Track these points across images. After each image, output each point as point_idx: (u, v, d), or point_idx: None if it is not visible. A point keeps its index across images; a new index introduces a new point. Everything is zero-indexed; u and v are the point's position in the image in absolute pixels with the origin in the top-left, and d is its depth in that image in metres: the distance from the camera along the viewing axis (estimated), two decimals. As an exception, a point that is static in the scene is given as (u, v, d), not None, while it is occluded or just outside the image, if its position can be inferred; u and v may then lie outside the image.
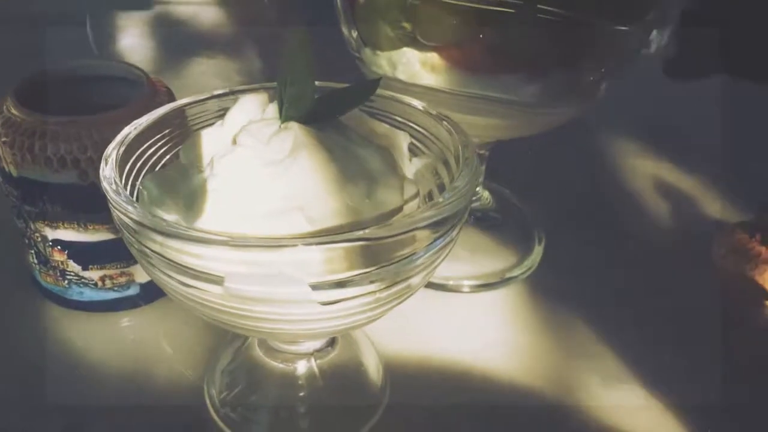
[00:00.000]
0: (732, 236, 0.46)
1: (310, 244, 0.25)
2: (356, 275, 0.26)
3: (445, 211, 0.27)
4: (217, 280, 0.25)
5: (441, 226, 0.27)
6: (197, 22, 0.89)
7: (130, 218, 0.26)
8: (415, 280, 0.28)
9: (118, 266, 0.40)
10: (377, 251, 0.26)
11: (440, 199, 0.27)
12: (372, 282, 0.26)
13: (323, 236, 0.25)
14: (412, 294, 0.29)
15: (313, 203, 0.27)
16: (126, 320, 0.42)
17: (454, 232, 0.28)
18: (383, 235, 0.25)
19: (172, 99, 0.40)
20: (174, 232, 0.25)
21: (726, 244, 0.46)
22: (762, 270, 0.44)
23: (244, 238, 0.25)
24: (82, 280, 0.40)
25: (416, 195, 0.31)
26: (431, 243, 0.27)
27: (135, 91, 0.40)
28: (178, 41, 0.84)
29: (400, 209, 0.29)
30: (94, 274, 0.40)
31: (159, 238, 0.25)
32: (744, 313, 0.43)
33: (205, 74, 0.75)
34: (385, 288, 0.27)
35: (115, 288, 0.40)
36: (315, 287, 0.26)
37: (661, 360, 0.40)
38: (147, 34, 0.85)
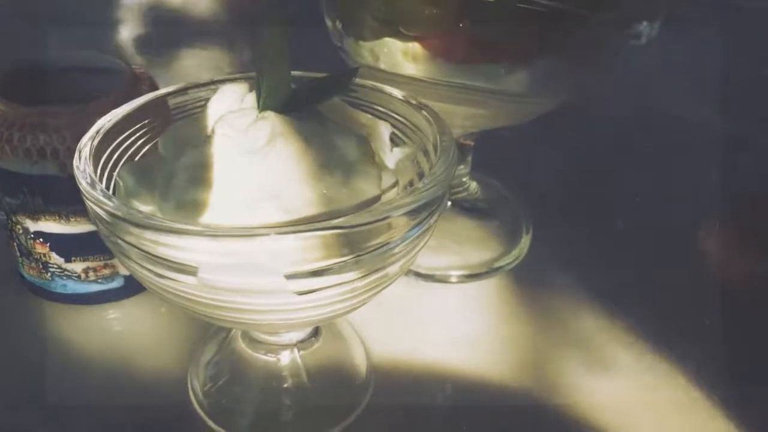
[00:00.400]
0: (721, 226, 0.46)
1: (284, 233, 0.24)
2: (332, 264, 0.26)
3: (421, 198, 0.27)
4: (191, 271, 0.25)
5: (418, 213, 0.27)
6: (189, 15, 0.89)
7: (103, 209, 0.26)
8: (392, 269, 0.28)
9: (101, 258, 0.39)
10: (353, 240, 0.26)
11: (418, 186, 0.27)
12: (348, 271, 0.26)
13: (296, 225, 0.25)
14: (390, 283, 0.29)
15: (290, 192, 0.27)
16: (111, 313, 0.42)
17: (432, 220, 0.28)
18: (357, 222, 0.25)
19: (155, 90, 0.39)
20: (146, 223, 0.25)
21: (715, 235, 0.46)
22: (749, 258, 0.44)
23: (216, 228, 0.25)
24: (65, 272, 0.40)
25: (395, 185, 0.31)
26: (408, 231, 0.27)
27: (117, 81, 0.39)
28: (169, 34, 0.83)
29: (377, 199, 0.29)
30: (76, 267, 0.39)
31: (131, 229, 0.25)
32: (733, 304, 0.43)
33: (199, 67, 0.75)
34: (361, 277, 0.27)
35: (99, 280, 0.40)
36: (290, 277, 0.25)
37: (649, 351, 0.40)
38: (138, 26, 0.85)
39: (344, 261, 0.26)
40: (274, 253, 0.25)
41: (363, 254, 0.26)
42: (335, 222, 0.25)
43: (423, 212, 0.27)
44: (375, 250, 0.26)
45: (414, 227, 0.27)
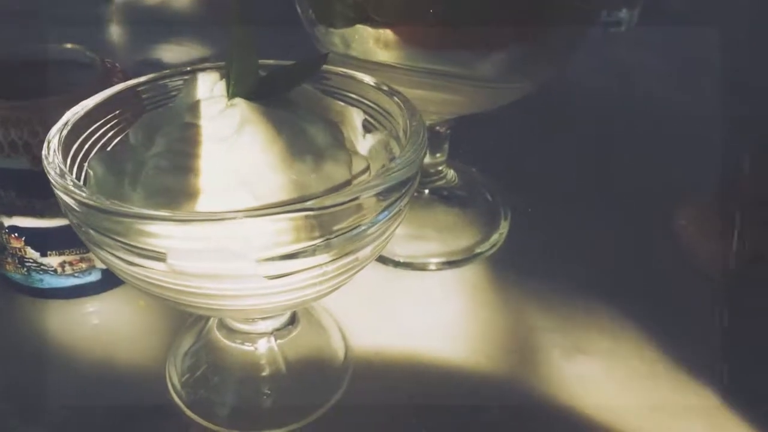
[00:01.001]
0: (693, 207, 0.47)
1: (252, 216, 0.24)
2: (302, 248, 0.26)
3: (391, 180, 0.27)
4: (161, 257, 0.25)
5: (388, 195, 0.27)
6: (168, 11, 0.89)
7: (72, 198, 0.26)
8: (363, 253, 0.28)
9: (77, 252, 0.39)
10: (323, 223, 0.26)
11: (388, 168, 0.27)
12: (319, 255, 0.26)
13: (264, 208, 0.25)
14: (362, 268, 0.29)
15: (259, 179, 0.27)
16: (89, 306, 0.42)
17: (403, 203, 0.28)
18: (326, 204, 0.25)
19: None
20: (114, 210, 0.25)
21: (687, 215, 0.47)
22: (721, 240, 0.44)
23: (185, 213, 0.25)
24: (42, 266, 0.39)
25: (366, 170, 0.31)
26: (379, 214, 0.27)
27: (88, 74, 0.39)
28: (148, 31, 0.83)
29: (348, 184, 0.29)
30: (53, 261, 0.39)
31: (100, 217, 0.25)
32: (717, 290, 0.43)
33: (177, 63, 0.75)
34: (332, 261, 0.27)
35: (76, 274, 0.40)
36: (260, 261, 0.25)
37: (627, 334, 0.40)
38: (116, 23, 0.85)
39: (315, 244, 0.26)
40: (244, 238, 0.25)
41: (333, 237, 0.26)
42: (304, 204, 0.25)
43: (393, 194, 0.27)
44: (346, 232, 0.26)
45: (384, 209, 0.27)
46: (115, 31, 0.83)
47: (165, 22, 0.86)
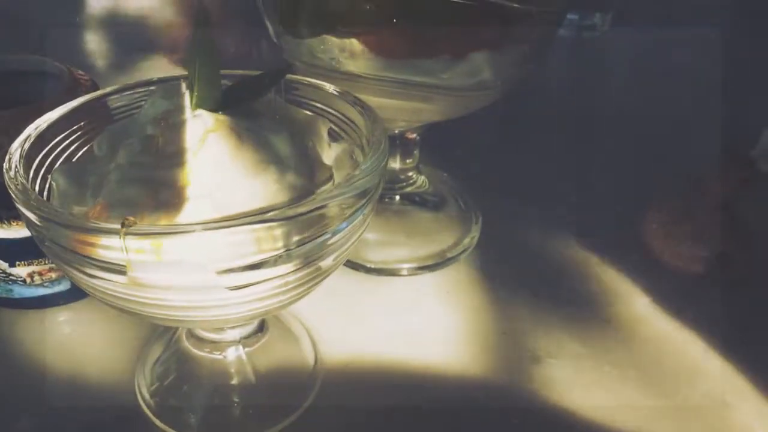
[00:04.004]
0: (661, 211, 0.47)
1: (211, 229, 0.25)
2: (264, 259, 0.26)
3: (351, 189, 0.27)
4: (122, 270, 0.25)
5: (349, 205, 0.27)
6: (145, 21, 0.88)
7: (31, 212, 0.26)
8: (325, 262, 0.28)
9: (46, 262, 0.39)
10: (284, 233, 0.26)
11: (349, 178, 0.28)
12: (281, 265, 0.27)
13: (224, 220, 0.25)
14: (325, 277, 0.30)
15: (221, 190, 0.27)
16: (59, 316, 0.41)
17: (365, 211, 0.29)
18: (286, 216, 0.26)
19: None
20: (73, 223, 0.25)
21: (656, 220, 0.47)
22: (689, 243, 0.45)
23: (144, 227, 0.25)
24: (10, 277, 0.39)
25: (329, 179, 0.31)
26: (341, 223, 0.28)
27: (56, 85, 0.39)
28: (126, 40, 0.83)
29: (311, 194, 0.29)
30: (21, 271, 0.39)
31: (59, 230, 0.25)
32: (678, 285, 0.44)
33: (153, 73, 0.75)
34: (295, 271, 0.27)
35: (45, 284, 0.40)
36: (220, 273, 0.26)
37: (597, 337, 0.41)
38: (93, 32, 0.85)
39: (276, 255, 0.26)
40: (204, 249, 0.25)
41: (294, 248, 0.26)
42: (264, 216, 0.25)
43: (355, 203, 0.28)
44: (308, 242, 0.27)
45: (346, 219, 0.28)
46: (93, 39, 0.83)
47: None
